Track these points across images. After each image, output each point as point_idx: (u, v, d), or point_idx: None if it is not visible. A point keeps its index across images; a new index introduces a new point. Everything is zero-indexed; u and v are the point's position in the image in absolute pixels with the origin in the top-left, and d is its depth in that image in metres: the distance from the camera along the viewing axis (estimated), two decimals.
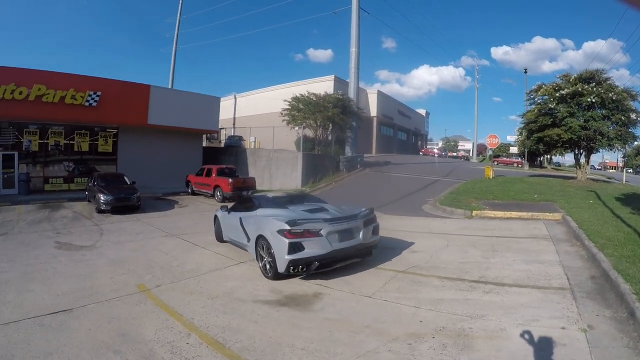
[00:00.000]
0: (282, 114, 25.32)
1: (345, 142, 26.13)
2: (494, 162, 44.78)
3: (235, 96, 42.75)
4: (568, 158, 51.09)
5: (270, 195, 8.60)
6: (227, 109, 42.12)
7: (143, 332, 4.39)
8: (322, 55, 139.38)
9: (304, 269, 5.97)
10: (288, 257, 5.84)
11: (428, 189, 18.72)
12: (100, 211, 13.50)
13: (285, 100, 25.51)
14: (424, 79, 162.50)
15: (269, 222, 6.42)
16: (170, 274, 6.80)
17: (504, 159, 48.28)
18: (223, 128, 35.92)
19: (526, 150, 31.62)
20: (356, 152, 26.12)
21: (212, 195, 17.69)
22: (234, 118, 41.17)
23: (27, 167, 18.33)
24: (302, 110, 24.40)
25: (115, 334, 4.34)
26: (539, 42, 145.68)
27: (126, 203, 13.71)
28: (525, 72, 41.94)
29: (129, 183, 15.42)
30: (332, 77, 34.22)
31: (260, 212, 7.31)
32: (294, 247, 5.85)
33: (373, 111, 42.85)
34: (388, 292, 5.57)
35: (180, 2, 33.48)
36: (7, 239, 9.83)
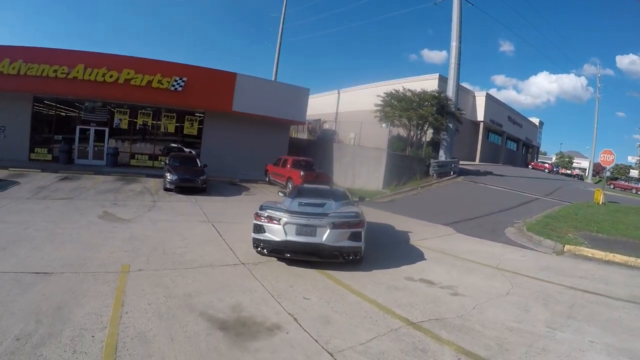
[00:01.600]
0: (376, 109, 23.38)
1: (440, 144, 23.04)
2: (610, 184, 37.50)
3: (338, 91, 41.92)
4: None
5: (305, 186, 9.23)
6: (331, 103, 41.88)
7: (76, 311, 4.23)
8: (436, 56, 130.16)
9: (264, 250, 6.47)
10: (253, 235, 6.58)
11: (522, 208, 15.14)
12: (166, 189, 13.75)
13: (378, 96, 23.56)
14: (543, 86, 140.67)
15: None
16: (163, 260, 6.38)
17: (622, 182, 39.82)
18: (325, 121, 35.86)
19: None
20: (451, 157, 22.74)
21: (285, 186, 17.14)
22: (337, 113, 40.53)
23: (116, 143, 19.96)
24: (394, 106, 22.19)
25: (55, 306, 4.31)
26: None
27: (190, 184, 13.77)
28: None
29: (199, 165, 15.48)
30: (436, 75, 30.63)
31: (286, 199, 7.78)
32: (257, 229, 6.52)
33: (480, 116, 37.44)
34: (365, 354, 3.80)
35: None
36: (68, 203, 10.60)
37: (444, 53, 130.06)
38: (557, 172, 47.71)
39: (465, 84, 39.09)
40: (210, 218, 10.12)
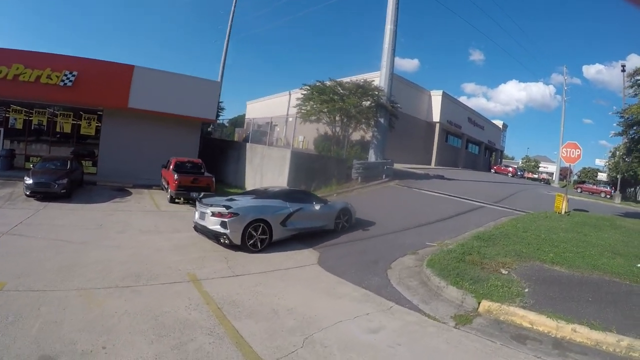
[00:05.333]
0: (296, 104, 19.17)
1: (370, 143, 18.72)
2: (577, 188, 33.94)
3: (290, 92, 37.76)
4: None
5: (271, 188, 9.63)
6: (284, 105, 37.82)
7: None
8: (408, 64, 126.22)
9: (193, 227, 8.15)
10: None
11: (454, 221, 10.97)
12: (27, 195, 11.35)
13: (300, 89, 19.34)
14: (512, 94, 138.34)
15: None
16: None
17: (590, 186, 35.49)
18: (277, 124, 31.80)
19: (619, 176, 24.82)
20: (382, 158, 18.42)
21: (167, 191, 13.35)
22: (287, 114, 36.29)
23: (12, 144, 17.24)
24: (315, 99, 17.93)
25: None
26: (636, 60, 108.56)
27: (45, 189, 11.33)
28: (623, 70, 27.13)
29: (69, 168, 12.91)
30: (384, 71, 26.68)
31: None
32: (194, 214, 8.14)
33: (436, 116, 33.45)
34: None
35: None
36: None
37: (415, 61, 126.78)
38: (522, 176, 43.78)
39: (434, 91, 35.05)
40: (18, 230, 7.64)
